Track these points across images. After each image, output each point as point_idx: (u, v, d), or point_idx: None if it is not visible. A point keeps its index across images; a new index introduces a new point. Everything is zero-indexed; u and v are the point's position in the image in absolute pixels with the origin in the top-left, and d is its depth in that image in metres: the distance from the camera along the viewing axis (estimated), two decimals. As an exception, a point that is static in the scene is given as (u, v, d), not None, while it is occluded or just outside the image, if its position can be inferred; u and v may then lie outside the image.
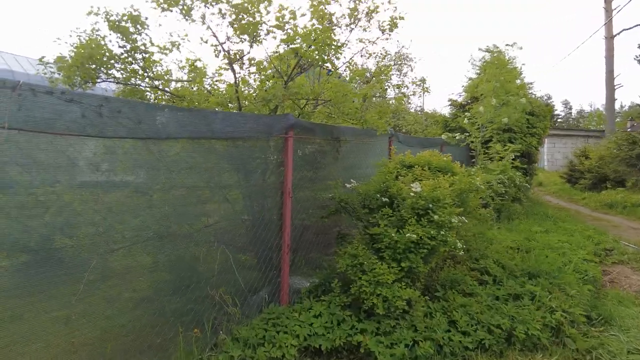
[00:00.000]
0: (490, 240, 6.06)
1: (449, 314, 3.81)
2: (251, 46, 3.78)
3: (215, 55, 3.78)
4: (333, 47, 3.82)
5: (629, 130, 16.71)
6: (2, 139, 2.13)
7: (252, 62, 3.96)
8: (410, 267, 3.69)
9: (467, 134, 8.87)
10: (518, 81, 10.61)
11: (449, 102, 13.63)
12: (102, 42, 4.03)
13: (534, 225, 7.91)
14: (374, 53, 5.41)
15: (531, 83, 12.48)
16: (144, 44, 4.62)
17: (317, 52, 3.76)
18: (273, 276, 3.94)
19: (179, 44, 4.97)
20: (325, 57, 3.92)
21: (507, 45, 10.49)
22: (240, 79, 4.00)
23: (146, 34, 4.51)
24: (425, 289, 4.16)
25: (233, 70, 3.99)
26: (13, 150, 2.18)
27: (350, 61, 5.66)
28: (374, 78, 5.54)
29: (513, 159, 9.04)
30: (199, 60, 5.17)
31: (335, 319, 3.65)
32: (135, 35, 4.53)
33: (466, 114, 9.07)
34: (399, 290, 3.55)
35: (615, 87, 21.63)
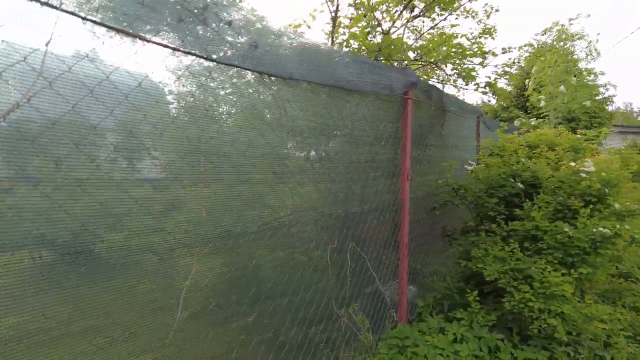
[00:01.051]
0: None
1: (639, 337, 2.78)
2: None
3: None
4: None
5: None
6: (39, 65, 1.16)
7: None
8: (589, 273, 2.66)
9: (541, 120, 7.81)
10: (588, 63, 9.53)
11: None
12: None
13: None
14: (472, 11, 4.43)
15: (592, 68, 11.35)
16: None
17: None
18: (387, 285, 2.94)
19: (241, -6, 4.00)
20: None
21: (570, 19, 9.43)
22: (338, 22, 3.00)
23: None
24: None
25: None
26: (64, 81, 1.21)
27: (436, 27, 4.65)
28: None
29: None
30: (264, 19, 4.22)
31: (484, 345, 2.65)
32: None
33: (540, 96, 7.98)
34: (584, 307, 2.52)
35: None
